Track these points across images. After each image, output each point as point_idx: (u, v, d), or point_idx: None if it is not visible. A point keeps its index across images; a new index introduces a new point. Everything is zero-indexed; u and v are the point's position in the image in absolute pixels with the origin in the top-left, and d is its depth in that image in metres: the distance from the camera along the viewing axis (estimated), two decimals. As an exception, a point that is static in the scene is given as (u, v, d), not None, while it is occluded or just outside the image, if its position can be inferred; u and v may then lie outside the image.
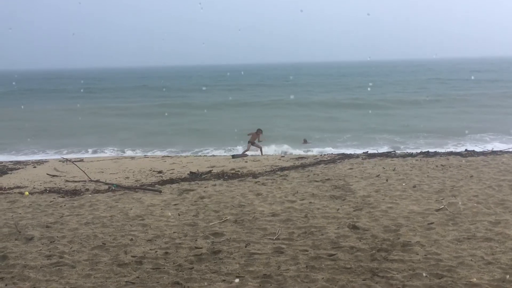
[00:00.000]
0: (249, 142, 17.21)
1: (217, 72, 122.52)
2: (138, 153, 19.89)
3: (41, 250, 6.36)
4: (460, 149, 15.95)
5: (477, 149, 15.07)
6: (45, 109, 39.32)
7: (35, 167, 14.89)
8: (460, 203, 7.83)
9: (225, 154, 18.46)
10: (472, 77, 66.06)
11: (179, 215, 7.92)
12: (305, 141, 21.12)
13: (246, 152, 17.07)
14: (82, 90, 58.30)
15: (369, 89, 50.31)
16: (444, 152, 14.05)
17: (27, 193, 10.23)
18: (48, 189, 10.78)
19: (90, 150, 20.71)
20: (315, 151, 18.40)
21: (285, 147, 19.20)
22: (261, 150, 17.34)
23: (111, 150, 20.76)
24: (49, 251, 6.27)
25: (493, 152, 13.53)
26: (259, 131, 17.33)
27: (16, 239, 6.85)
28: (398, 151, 15.36)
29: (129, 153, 19.97)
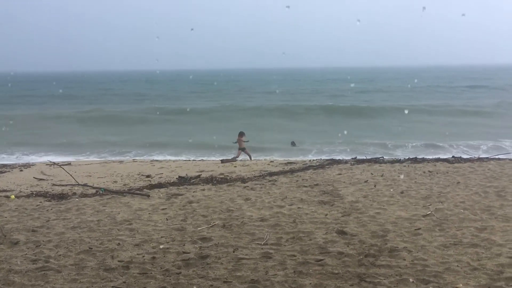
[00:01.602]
0: (239, 149, 17.10)
1: (207, 77, 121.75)
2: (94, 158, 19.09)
3: (26, 254, 6.28)
4: (448, 155, 16.10)
5: (464, 155, 15.23)
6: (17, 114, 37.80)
7: (21, 170, 14.71)
8: (446, 209, 7.91)
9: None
10: (464, 85, 66.85)
11: (167, 219, 7.89)
12: (293, 144, 21.19)
13: (236, 158, 17.00)
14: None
15: (360, 93, 50.30)
16: (431, 159, 14.16)
17: (13, 196, 10.09)
18: (34, 192, 10.66)
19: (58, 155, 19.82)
20: (303, 157, 18.42)
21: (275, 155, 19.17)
22: (249, 155, 17.27)
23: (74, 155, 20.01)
24: (35, 256, 6.20)
25: (480, 159, 13.69)
26: (241, 134, 17.07)
27: (1, 243, 6.76)
28: (386, 157, 15.46)
29: (92, 158, 19.11)
